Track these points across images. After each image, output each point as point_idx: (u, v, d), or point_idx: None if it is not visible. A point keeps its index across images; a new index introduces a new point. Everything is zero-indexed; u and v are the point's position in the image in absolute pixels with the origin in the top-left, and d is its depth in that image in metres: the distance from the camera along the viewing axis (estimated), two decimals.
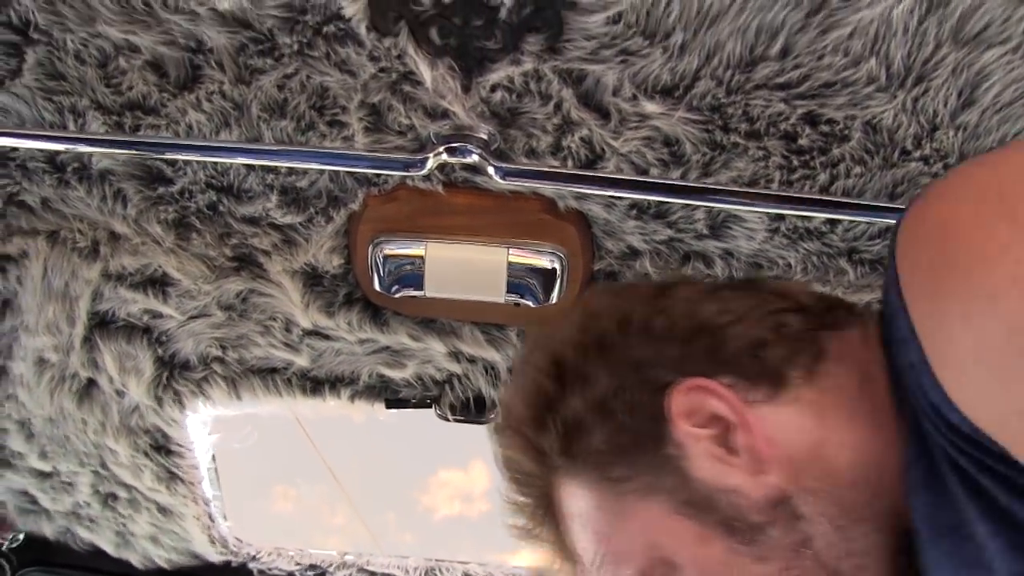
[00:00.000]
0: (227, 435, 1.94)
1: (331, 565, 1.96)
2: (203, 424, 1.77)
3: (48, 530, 1.93)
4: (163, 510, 1.85)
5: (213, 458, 1.86)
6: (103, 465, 1.76)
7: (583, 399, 0.76)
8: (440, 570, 1.93)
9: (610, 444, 0.74)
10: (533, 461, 0.79)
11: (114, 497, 1.83)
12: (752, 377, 0.73)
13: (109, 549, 1.93)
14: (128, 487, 1.81)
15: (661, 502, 0.71)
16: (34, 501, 1.88)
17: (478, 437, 1.56)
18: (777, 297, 0.82)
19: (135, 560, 1.94)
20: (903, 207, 0.72)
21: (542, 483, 0.80)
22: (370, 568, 1.95)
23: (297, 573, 1.95)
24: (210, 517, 1.88)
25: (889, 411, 0.71)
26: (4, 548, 2.00)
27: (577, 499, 0.76)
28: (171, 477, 1.78)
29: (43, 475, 1.81)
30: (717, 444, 0.71)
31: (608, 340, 0.78)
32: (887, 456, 0.70)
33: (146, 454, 1.73)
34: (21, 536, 1.98)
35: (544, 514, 0.80)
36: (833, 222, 1.21)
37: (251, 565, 1.95)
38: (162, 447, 1.73)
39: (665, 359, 0.75)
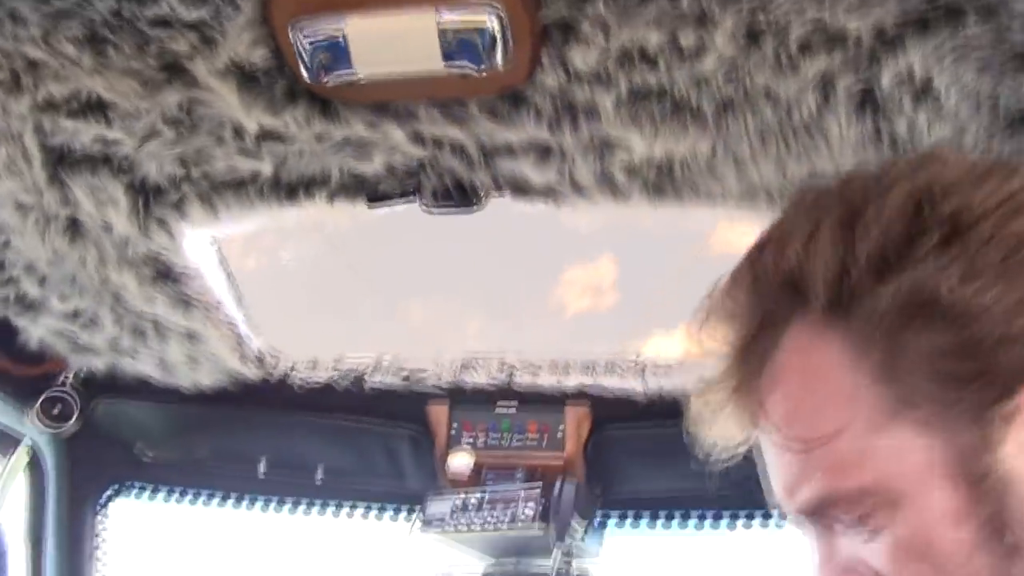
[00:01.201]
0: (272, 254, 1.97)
1: (368, 368, 1.99)
2: (210, 246, 1.78)
3: (98, 364, 2.03)
4: (190, 336, 1.90)
5: (230, 279, 1.88)
6: (117, 299, 1.81)
7: (936, 278, 0.58)
8: (475, 366, 1.94)
9: (933, 352, 0.58)
10: (788, 293, 0.64)
11: (140, 328, 1.89)
12: None
13: (156, 375, 2.02)
14: (148, 318, 1.86)
15: (939, 451, 0.58)
16: (75, 340, 1.97)
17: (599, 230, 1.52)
18: None
19: (181, 384, 2.03)
20: None
21: (780, 321, 0.65)
22: (407, 367, 1.97)
23: (334, 381, 1.99)
24: (237, 338, 1.92)
25: None
26: (68, 384, 2.14)
27: (823, 369, 0.62)
28: (185, 303, 1.81)
29: (70, 316, 1.88)
30: None
31: None
32: None
33: (152, 283, 1.76)
34: (79, 372, 2.11)
35: (755, 359, 0.66)
36: None
37: (289, 379, 2.01)
38: (166, 274, 1.75)
39: None
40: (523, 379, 1.92)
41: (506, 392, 1.94)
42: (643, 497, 2.03)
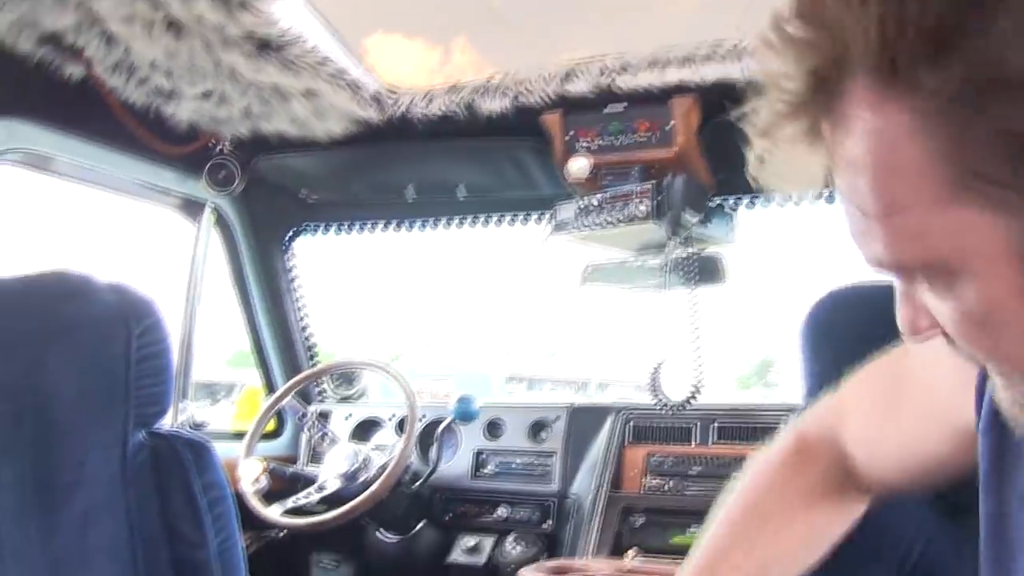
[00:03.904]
0: None
1: (479, 91, 2.19)
2: (304, 8, 1.99)
3: (243, 129, 2.37)
4: (307, 94, 2.17)
5: (334, 32, 2.09)
6: (234, 76, 2.08)
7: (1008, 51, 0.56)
8: (577, 73, 2.07)
9: (1009, 128, 0.57)
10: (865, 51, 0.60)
11: (263, 96, 2.18)
12: None
13: (293, 131, 2.34)
14: (267, 86, 2.13)
15: (1003, 229, 0.60)
16: (214, 115, 2.30)
17: None
18: None
19: (317, 135, 2.34)
20: None
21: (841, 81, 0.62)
22: (514, 85, 2.15)
23: (450, 109, 2.22)
24: (351, 87, 2.17)
25: None
26: (225, 151, 2.53)
27: (892, 141, 0.61)
28: (293, 67, 2.05)
29: (202, 97, 2.19)
30: None
31: None
32: None
33: (258, 56, 2.00)
34: (232, 140, 2.48)
35: (814, 113, 0.65)
36: None
37: (410, 114, 2.25)
38: (267, 46, 1.98)
39: None
40: (626, 80, 2.05)
41: (612, 95, 2.08)
42: None
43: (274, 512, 2.30)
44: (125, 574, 1.33)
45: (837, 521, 1.07)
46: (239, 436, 2.56)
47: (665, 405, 2.21)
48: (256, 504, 2.31)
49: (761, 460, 1.11)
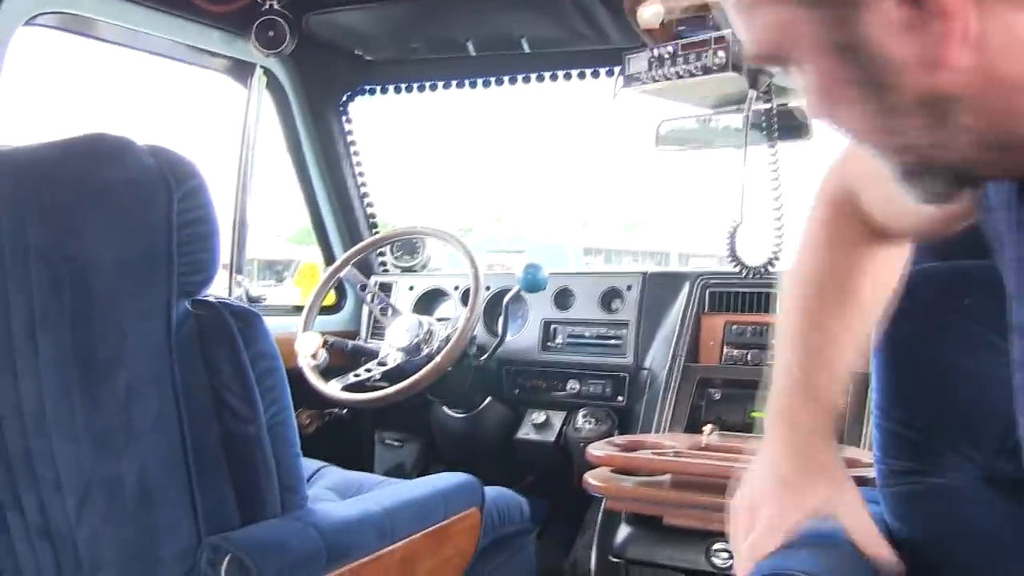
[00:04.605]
0: None
1: None
2: None
3: None
4: None
5: None
6: None
7: None
8: None
9: None
10: None
11: None
12: None
13: None
14: None
15: (814, 23, 0.68)
16: None
17: None
18: None
19: None
20: None
21: None
22: None
23: None
24: None
25: None
26: (273, 8, 2.42)
27: None
28: None
29: None
30: (906, 7, 0.65)
31: None
32: None
33: None
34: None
35: None
36: None
37: None
38: None
39: None
40: None
41: None
42: None
43: (333, 388, 2.28)
44: (172, 449, 1.30)
45: (897, 267, 1.12)
46: (299, 310, 2.54)
47: (744, 268, 2.10)
48: (315, 379, 2.30)
49: (808, 238, 1.13)
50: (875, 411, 1.25)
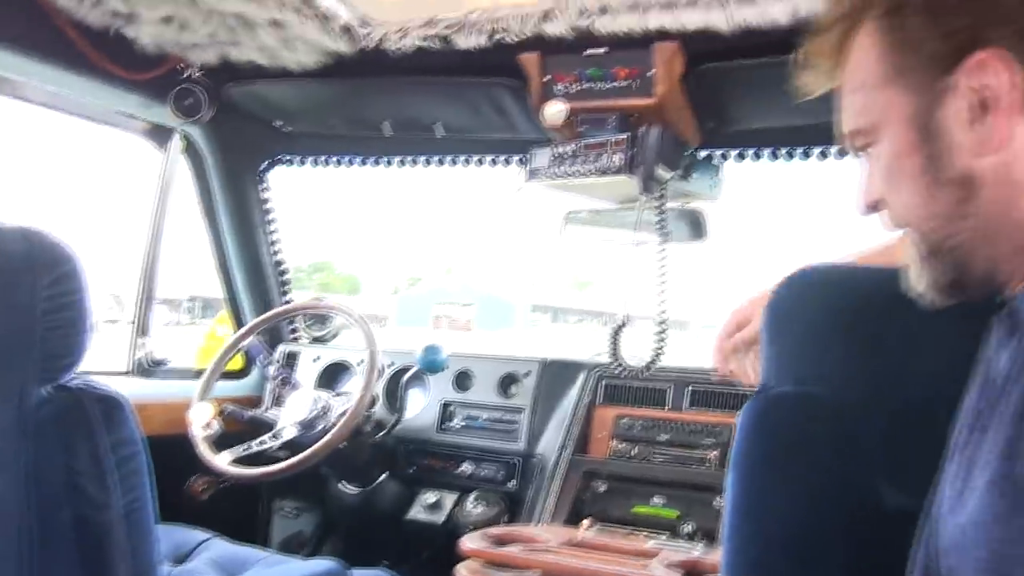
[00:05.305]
0: None
1: (455, 27, 2.11)
2: None
3: (210, 56, 2.31)
4: (273, 24, 2.10)
5: None
6: (192, 1, 2.02)
7: None
8: (555, 15, 1.99)
9: (917, 37, 0.91)
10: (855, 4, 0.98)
11: (228, 24, 2.11)
12: None
13: (264, 61, 2.28)
14: (230, 13, 2.07)
15: (909, 106, 0.92)
16: (178, 40, 2.23)
17: None
18: None
19: (289, 65, 2.28)
20: None
21: (856, 15, 0.98)
22: (491, 23, 2.07)
23: (427, 44, 2.14)
24: (320, 16, 2.09)
25: None
26: (193, 77, 2.47)
27: (867, 47, 0.96)
28: None
29: (163, 21, 2.13)
30: (973, 108, 0.88)
31: None
32: None
33: None
34: (201, 65, 2.42)
35: (842, 35, 1.00)
36: None
37: (383, 46, 2.18)
38: None
39: (1012, 18, 0.87)
40: (605, 22, 1.96)
41: (592, 37, 1.99)
42: (756, 130, 2.12)
43: (223, 460, 2.29)
44: (19, 533, 1.32)
45: None
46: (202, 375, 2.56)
47: (626, 368, 2.16)
48: (205, 450, 2.31)
49: None
50: (725, 526, 1.31)
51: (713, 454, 2.14)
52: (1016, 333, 0.88)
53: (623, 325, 2.12)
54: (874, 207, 1.00)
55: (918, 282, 0.98)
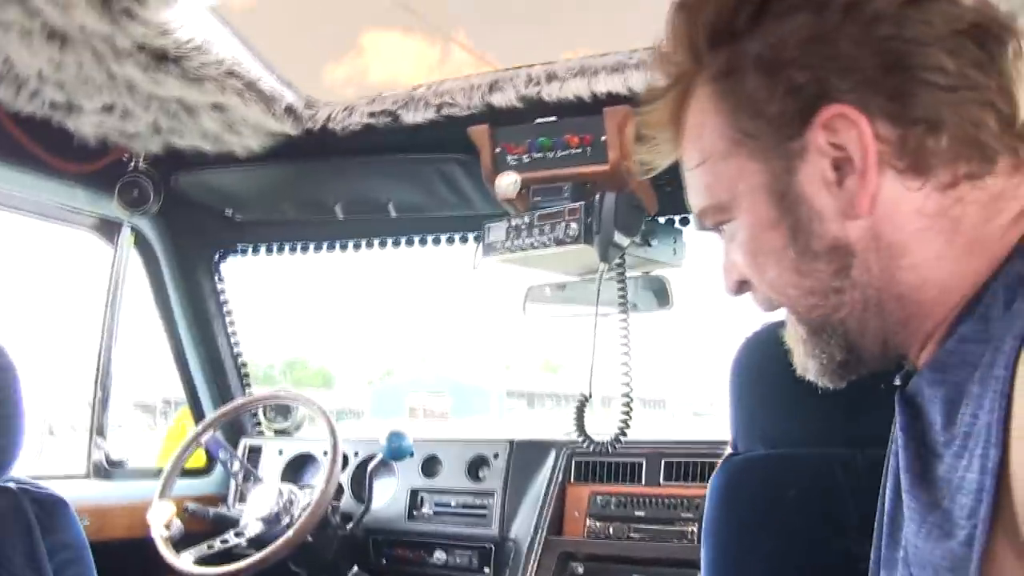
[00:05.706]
0: None
1: (401, 103, 2.10)
2: (208, 14, 1.90)
3: (154, 146, 2.28)
4: (216, 107, 2.08)
5: (243, 40, 2.00)
6: (133, 90, 1.99)
7: (764, 44, 0.83)
8: (502, 86, 1.99)
9: (758, 98, 0.83)
10: (690, 58, 0.89)
11: (169, 110, 2.09)
12: (912, 146, 0.79)
13: (209, 148, 2.25)
14: (172, 100, 2.04)
15: (761, 174, 0.84)
16: (121, 130, 2.20)
17: None
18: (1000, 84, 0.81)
19: (235, 151, 2.25)
20: None
21: (687, 80, 0.90)
22: (438, 97, 2.06)
23: (374, 122, 2.13)
24: (263, 99, 2.08)
25: (988, 267, 0.78)
26: (138, 168, 2.44)
27: (704, 113, 0.88)
28: (196, 80, 1.96)
29: (103, 111, 2.10)
30: (833, 169, 0.80)
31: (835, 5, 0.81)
32: (949, 309, 0.80)
33: (155, 69, 1.91)
34: (146, 156, 2.39)
35: (675, 104, 0.92)
36: None
37: (330, 127, 2.16)
38: (163, 57, 1.89)
39: (855, 68, 0.80)
40: (553, 90, 1.96)
41: (542, 106, 1.99)
42: None
43: (184, 561, 2.19)
44: None
45: None
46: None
47: (592, 444, 2.10)
48: (166, 552, 2.21)
49: None
50: None
51: (691, 528, 2.07)
52: (916, 423, 0.82)
53: (587, 400, 2.06)
54: (740, 288, 0.92)
55: (805, 367, 0.90)
